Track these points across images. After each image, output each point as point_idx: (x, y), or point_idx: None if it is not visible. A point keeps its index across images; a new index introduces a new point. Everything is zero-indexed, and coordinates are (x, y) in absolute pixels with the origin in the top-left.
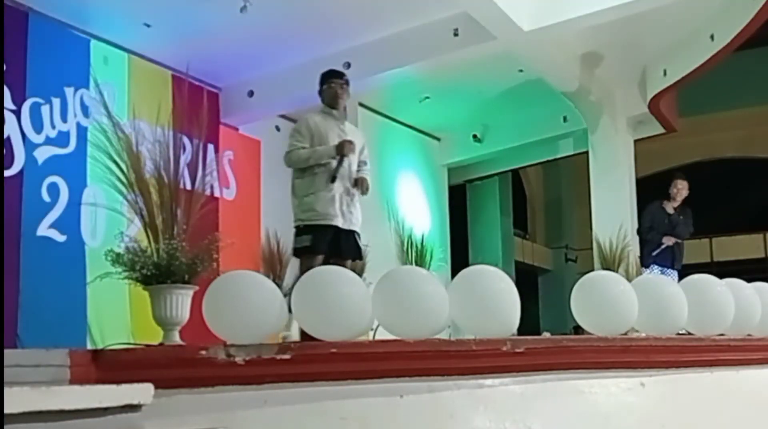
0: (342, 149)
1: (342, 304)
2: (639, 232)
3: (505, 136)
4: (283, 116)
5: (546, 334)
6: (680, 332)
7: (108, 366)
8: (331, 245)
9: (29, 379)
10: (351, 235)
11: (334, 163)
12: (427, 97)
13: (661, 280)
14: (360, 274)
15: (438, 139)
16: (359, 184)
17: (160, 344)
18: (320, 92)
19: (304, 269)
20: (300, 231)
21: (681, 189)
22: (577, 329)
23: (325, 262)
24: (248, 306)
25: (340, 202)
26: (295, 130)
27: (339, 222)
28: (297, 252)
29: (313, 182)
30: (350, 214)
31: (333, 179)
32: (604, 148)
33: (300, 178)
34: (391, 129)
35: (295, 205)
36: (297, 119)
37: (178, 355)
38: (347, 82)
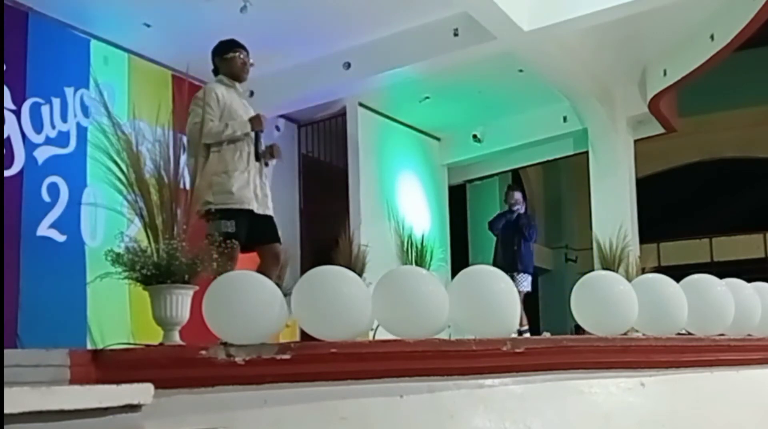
0: (259, 124)
1: (342, 304)
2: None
3: (505, 136)
4: (283, 116)
5: (546, 334)
6: (680, 332)
7: (108, 366)
8: (249, 232)
9: (29, 379)
10: (268, 219)
11: (244, 141)
12: (427, 97)
13: (661, 280)
14: (280, 257)
15: (438, 139)
16: (273, 151)
17: (160, 344)
18: (221, 62)
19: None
20: (214, 215)
21: (518, 199)
22: (578, 329)
23: (242, 251)
24: (248, 306)
25: (254, 185)
26: (203, 101)
27: (254, 206)
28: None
29: (224, 160)
30: (264, 197)
31: (257, 157)
32: (604, 148)
33: (204, 156)
34: (391, 129)
35: (201, 187)
36: (296, 119)
37: (178, 355)
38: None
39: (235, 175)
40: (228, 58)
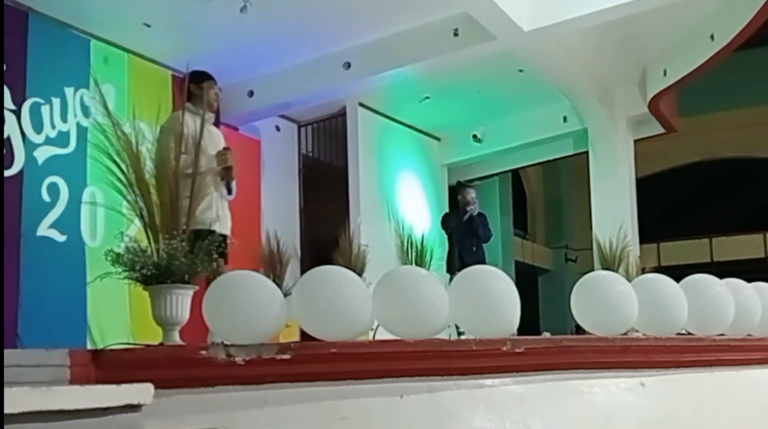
0: (223, 161)
1: (342, 304)
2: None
3: (505, 136)
4: (283, 116)
5: (546, 334)
6: (680, 332)
7: (108, 366)
8: None
9: (29, 379)
10: (224, 238)
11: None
12: (427, 97)
13: (661, 280)
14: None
15: (438, 139)
16: (228, 173)
17: (160, 344)
18: (195, 91)
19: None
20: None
21: (473, 199)
22: (579, 329)
23: None
24: (248, 306)
25: (216, 207)
26: (172, 132)
27: (216, 227)
28: None
29: (187, 186)
30: (225, 217)
31: (230, 191)
32: (604, 148)
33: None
34: (391, 129)
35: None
36: (296, 119)
37: (178, 355)
38: None
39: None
40: (204, 88)
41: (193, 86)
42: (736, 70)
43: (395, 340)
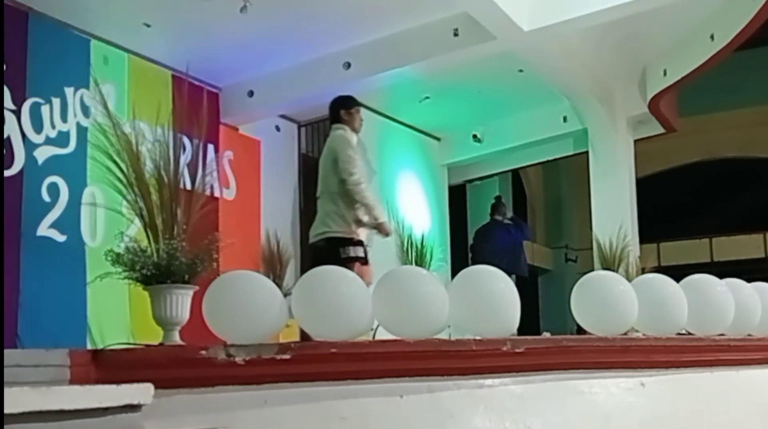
0: (384, 230)
1: (342, 304)
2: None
3: (505, 136)
4: (283, 116)
5: (546, 334)
6: (680, 332)
7: (108, 366)
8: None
9: (29, 379)
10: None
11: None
12: (427, 97)
13: (661, 280)
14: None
15: (438, 139)
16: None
17: (160, 344)
18: (344, 114)
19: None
20: (345, 241)
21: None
22: (579, 330)
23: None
24: (248, 306)
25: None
26: (350, 147)
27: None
28: (347, 260)
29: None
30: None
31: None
32: (604, 148)
33: (344, 192)
34: (391, 129)
35: (342, 214)
36: (296, 119)
37: (178, 355)
38: None
39: (359, 212)
40: (353, 113)
41: (343, 112)
42: (736, 70)
43: (395, 340)
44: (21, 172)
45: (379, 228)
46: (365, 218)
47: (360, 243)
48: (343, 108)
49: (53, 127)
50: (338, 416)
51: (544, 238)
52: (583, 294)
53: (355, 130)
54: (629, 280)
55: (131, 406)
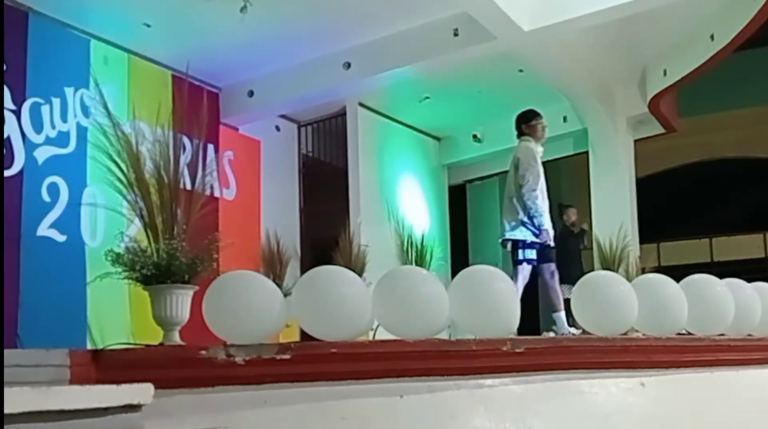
0: (544, 238)
1: (342, 304)
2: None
3: (505, 136)
4: (283, 116)
5: (546, 334)
6: (680, 332)
7: (108, 366)
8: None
9: (29, 379)
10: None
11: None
12: (427, 97)
13: (661, 280)
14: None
15: (438, 139)
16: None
17: (160, 344)
18: (525, 128)
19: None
20: (526, 244)
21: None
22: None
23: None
24: (248, 306)
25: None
26: (531, 157)
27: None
28: (521, 261)
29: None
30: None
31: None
32: (604, 148)
33: (520, 197)
34: (391, 129)
35: (516, 218)
36: (296, 119)
37: (178, 355)
38: None
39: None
40: (533, 124)
41: (524, 126)
42: (736, 70)
43: (395, 340)
44: (21, 172)
45: (541, 235)
46: (531, 222)
47: (532, 245)
48: (524, 122)
49: (53, 127)
50: (338, 416)
51: None
52: (583, 294)
53: (539, 139)
54: (629, 280)
55: (131, 406)
